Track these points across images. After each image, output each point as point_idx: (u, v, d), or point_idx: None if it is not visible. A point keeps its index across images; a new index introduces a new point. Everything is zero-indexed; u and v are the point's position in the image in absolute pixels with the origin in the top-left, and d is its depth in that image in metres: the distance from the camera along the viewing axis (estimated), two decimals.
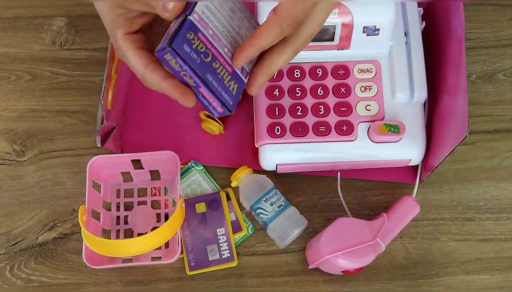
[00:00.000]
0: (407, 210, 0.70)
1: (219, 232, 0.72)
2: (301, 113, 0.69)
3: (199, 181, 0.75)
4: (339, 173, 0.73)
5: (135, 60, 0.48)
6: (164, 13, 0.46)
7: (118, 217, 0.74)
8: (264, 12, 0.68)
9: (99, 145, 0.68)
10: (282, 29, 0.45)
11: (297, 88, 0.70)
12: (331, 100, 0.70)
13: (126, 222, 0.74)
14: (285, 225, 0.70)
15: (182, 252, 0.71)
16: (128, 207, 0.75)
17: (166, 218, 0.73)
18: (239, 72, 0.50)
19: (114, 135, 0.72)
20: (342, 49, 0.70)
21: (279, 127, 0.69)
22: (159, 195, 0.75)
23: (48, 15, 0.84)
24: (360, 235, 0.66)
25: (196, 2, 0.47)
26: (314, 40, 0.69)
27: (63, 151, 0.77)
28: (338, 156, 0.69)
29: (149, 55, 0.48)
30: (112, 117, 0.70)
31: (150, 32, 0.51)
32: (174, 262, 0.70)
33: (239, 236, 0.73)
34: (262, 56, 0.50)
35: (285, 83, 0.70)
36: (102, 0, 0.48)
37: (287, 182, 0.75)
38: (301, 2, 0.44)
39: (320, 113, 0.69)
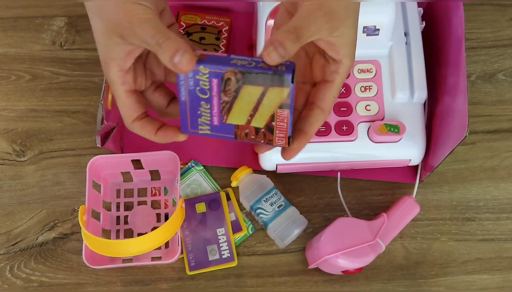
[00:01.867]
0: (407, 210, 0.70)
1: (219, 232, 0.72)
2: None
3: (199, 181, 0.75)
4: (339, 173, 0.73)
5: (124, 108, 0.49)
6: (174, 67, 0.44)
7: (118, 217, 0.74)
8: (264, 12, 0.68)
9: (99, 145, 0.68)
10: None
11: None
12: None
13: (126, 222, 0.74)
14: (285, 225, 0.70)
15: (182, 252, 0.71)
16: (128, 207, 0.75)
17: (166, 218, 0.73)
18: (227, 132, 0.49)
19: (114, 135, 0.72)
20: None
21: None
22: (159, 195, 0.75)
23: (48, 15, 0.84)
24: (360, 235, 0.66)
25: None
26: None
27: (63, 151, 0.77)
28: (338, 156, 0.69)
29: (136, 108, 0.49)
30: (112, 117, 0.70)
31: (146, 61, 0.50)
32: (174, 262, 0.70)
33: (239, 236, 0.73)
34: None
35: None
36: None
37: (287, 182, 0.75)
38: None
39: None
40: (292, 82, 0.45)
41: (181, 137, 0.50)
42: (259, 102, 0.46)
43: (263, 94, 0.46)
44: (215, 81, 0.46)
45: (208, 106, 0.47)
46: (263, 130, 0.48)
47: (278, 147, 0.49)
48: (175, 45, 0.43)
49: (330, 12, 0.44)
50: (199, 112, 0.48)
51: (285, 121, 0.47)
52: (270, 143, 0.49)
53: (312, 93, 0.49)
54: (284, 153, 0.50)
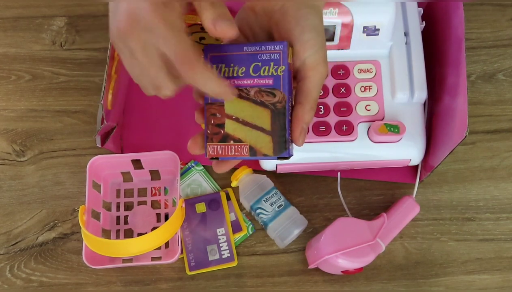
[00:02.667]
0: (407, 210, 0.70)
1: (219, 232, 0.72)
2: None
3: (199, 181, 0.75)
4: (339, 173, 0.73)
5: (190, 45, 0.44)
6: (215, 33, 0.44)
7: (118, 217, 0.74)
8: None
9: (99, 145, 0.68)
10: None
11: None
12: (331, 100, 0.70)
13: (126, 222, 0.74)
14: (285, 225, 0.70)
15: (182, 252, 0.71)
16: (128, 207, 0.75)
17: (166, 218, 0.73)
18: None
19: (114, 135, 0.72)
20: (342, 49, 0.70)
21: None
22: (159, 195, 0.75)
23: (48, 15, 0.84)
24: (360, 235, 0.66)
25: None
26: None
27: (63, 151, 0.77)
28: (338, 156, 0.69)
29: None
30: (112, 117, 0.70)
31: None
32: (174, 262, 0.70)
33: (239, 236, 0.73)
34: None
35: None
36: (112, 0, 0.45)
37: (287, 182, 0.75)
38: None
39: (320, 113, 0.69)
40: (279, 158, 0.46)
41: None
42: (253, 126, 0.47)
43: (263, 131, 0.46)
44: (269, 81, 0.46)
45: (242, 75, 0.46)
46: (222, 131, 0.48)
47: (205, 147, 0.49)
48: (220, 9, 0.43)
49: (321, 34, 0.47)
50: (233, 64, 0.47)
51: (237, 154, 0.47)
52: (206, 137, 0.48)
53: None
54: (218, 166, 0.50)
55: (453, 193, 0.75)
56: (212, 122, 0.47)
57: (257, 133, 0.46)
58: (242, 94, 0.46)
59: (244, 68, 0.46)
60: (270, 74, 0.46)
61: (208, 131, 0.48)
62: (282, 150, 0.46)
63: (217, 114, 0.47)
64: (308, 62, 0.46)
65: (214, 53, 0.47)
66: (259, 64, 0.46)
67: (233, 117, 0.47)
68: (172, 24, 0.42)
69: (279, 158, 0.46)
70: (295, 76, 0.48)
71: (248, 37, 0.49)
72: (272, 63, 0.45)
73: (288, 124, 0.46)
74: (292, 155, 0.47)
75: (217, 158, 0.48)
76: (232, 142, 0.47)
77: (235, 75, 0.46)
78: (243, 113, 0.46)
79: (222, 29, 0.43)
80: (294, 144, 0.48)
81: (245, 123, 0.47)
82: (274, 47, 0.45)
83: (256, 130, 0.46)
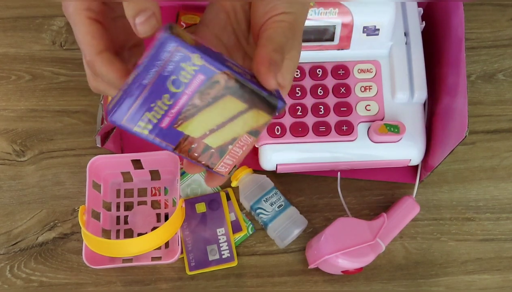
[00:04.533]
0: (407, 210, 0.70)
1: (219, 232, 0.72)
2: (301, 113, 0.69)
3: (199, 181, 0.75)
4: (339, 173, 0.73)
5: (87, 37, 0.38)
6: (134, 27, 0.37)
7: (118, 217, 0.74)
8: None
9: (99, 145, 0.68)
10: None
11: (297, 88, 0.70)
12: (331, 100, 0.70)
13: (126, 222, 0.74)
14: (285, 225, 0.70)
15: (182, 252, 0.71)
16: (128, 207, 0.75)
17: (166, 218, 0.73)
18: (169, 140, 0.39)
19: (114, 135, 0.72)
20: (342, 49, 0.70)
21: (279, 127, 0.69)
22: (159, 195, 0.75)
23: (48, 15, 0.84)
24: (360, 235, 0.66)
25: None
26: (314, 40, 0.69)
27: (63, 151, 0.77)
28: (338, 156, 0.69)
29: (104, 37, 0.39)
30: None
31: None
32: (174, 262, 0.70)
33: (239, 236, 0.73)
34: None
35: None
36: None
37: (287, 182, 0.75)
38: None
39: (320, 113, 0.69)
40: (279, 111, 0.40)
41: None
42: (231, 120, 0.39)
43: (242, 113, 0.39)
44: (200, 78, 0.37)
45: (170, 103, 0.37)
46: (213, 150, 0.40)
47: (215, 173, 0.42)
48: (144, 3, 0.36)
49: (295, 34, 0.41)
50: (152, 105, 0.37)
51: (244, 148, 0.41)
52: (209, 167, 0.41)
53: None
54: (211, 180, 0.43)
55: (453, 193, 0.75)
56: (196, 154, 0.40)
57: (242, 119, 0.39)
58: (190, 112, 0.38)
59: (167, 95, 0.37)
60: (193, 72, 0.37)
61: (204, 163, 0.41)
62: (274, 104, 0.39)
63: (192, 146, 0.40)
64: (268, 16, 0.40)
65: (125, 115, 0.38)
66: (174, 77, 0.37)
67: (208, 133, 0.39)
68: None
69: (279, 112, 0.40)
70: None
71: (221, 40, 0.44)
72: (183, 64, 0.36)
73: (254, 84, 0.38)
74: (284, 102, 0.40)
75: (235, 167, 0.42)
76: (230, 146, 0.41)
77: (165, 109, 0.38)
78: (212, 121, 0.39)
79: (141, 28, 0.36)
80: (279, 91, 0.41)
81: (223, 125, 0.40)
82: (165, 49, 0.36)
83: (237, 118, 0.39)
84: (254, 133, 0.40)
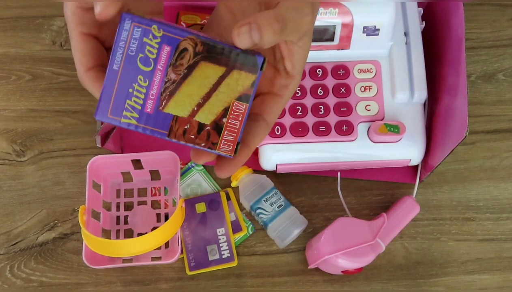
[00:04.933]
0: (407, 210, 0.70)
1: (219, 232, 0.72)
2: (301, 113, 0.69)
3: (199, 181, 0.75)
4: (339, 173, 0.73)
5: (78, 54, 0.39)
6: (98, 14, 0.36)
7: (118, 217, 0.74)
8: None
9: (99, 145, 0.68)
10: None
11: (297, 88, 0.70)
12: (331, 100, 0.70)
13: (126, 222, 0.74)
14: (285, 225, 0.70)
15: (182, 252, 0.71)
16: (128, 207, 0.75)
17: (166, 218, 0.73)
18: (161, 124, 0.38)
19: (114, 135, 0.72)
20: (342, 49, 0.70)
21: (279, 127, 0.69)
22: (159, 195, 0.75)
23: (48, 15, 0.84)
24: (360, 235, 0.66)
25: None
26: (314, 40, 0.69)
27: (63, 151, 0.77)
28: (338, 156, 0.69)
29: (94, 54, 0.39)
30: None
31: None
32: (174, 262, 0.70)
33: (239, 236, 0.73)
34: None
35: None
36: None
37: (287, 182, 0.75)
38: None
39: (320, 113, 0.69)
40: (262, 68, 0.37)
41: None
42: (214, 88, 0.37)
43: (223, 77, 0.37)
44: (166, 49, 0.36)
45: (146, 84, 0.37)
46: (208, 128, 0.38)
47: (221, 154, 0.39)
48: None
49: (315, 10, 0.38)
50: (130, 90, 0.37)
51: (240, 118, 0.38)
52: (212, 148, 0.39)
53: (257, 104, 0.42)
54: (222, 167, 0.40)
55: (453, 193, 0.75)
56: (193, 136, 0.38)
57: (225, 84, 0.38)
58: (170, 90, 0.37)
59: (140, 76, 0.37)
60: (157, 45, 0.36)
61: (203, 144, 0.39)
62: (253, 61, 0.37)
63: (185, 127, 0.38)
64: None
65: (108, 108, 0.38)
66: (141, 55, 0.36)
67: (196, 109, 0.38)
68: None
69: (261, 68, 0.38)
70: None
71: (227, 39, 0.42)
72: (145, 39, 0.36)
73: (225, 44, 0.37)
74: (263, 57, 0.38)
75: (238, 144, 0.39)
76: (224, 119, 0.38)
77: (144, 91, 0.37)
78: (195, 94, 0.38)
79: (96, 8, 0.36)
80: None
81: (208, 96, 0.38)
82: (123, 28, 0.36)
83: (219, 85, 0.38)
84: (245, 98, 0.38)
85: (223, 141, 0.39)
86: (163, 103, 0.37)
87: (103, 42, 0.41)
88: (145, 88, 0.37)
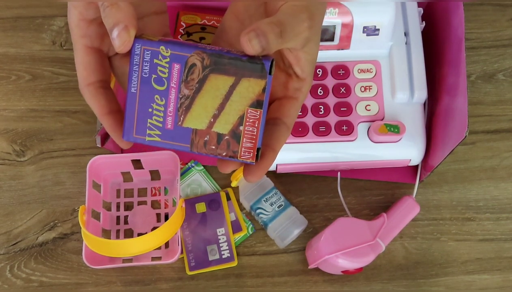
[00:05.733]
0: (407, 210, 0.70)
1: (219, 232, 0.72)
2: (301, 113, 0.69)
3: (199, 181, 0.75)
4: (339, 173, 0.73)
5: (80, 66, 0.41)
6: (112, 41, 0.38)
7: (118, 217, 0.74)
8: None
9: (99, 145, 0.68)
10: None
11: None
12: (331, 100, 0.70)
13: (126, 222, 0.74)
14: (285, 225, 0.70)
15: (182, 252, 0.71)
16: (128, 207, 0.75)
17: (166, 218, 0.73)
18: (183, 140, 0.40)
19: None
20: (342, 49, 0.70)
21: None
22: (159, 195, 0.75)
23: (48, 15, 0.84)
24: (360, 235, 0.66)
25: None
26: None
27: (63, 151, 0.77)
28: (338, 156, 0.69)
29: (96, 69, 0.41)
30: None
31: None
32: (174, 262, 0.70)
33: (239, 236, 0.73)
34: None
35: None
36: None
37: (287, 182, 0.75)
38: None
39: (320, 113, 0.69)
40: (270, 73, 0.38)
41: (123, 145, 0.42)
42: (227, 98, 0.39)
43: (233, 87, 0.38)
44: (176, 67, 0.38)
45: (163, 102, 0.39)
46: (227, 137, 0.40)
47: (244, 162, 0.40)
48: (118, 15, 0.37)
49: (312, 17, 0.40)
50: (150, 110, 0.39)
51: (256, 125, 0.39)
52: (233, 157, 0.40)
53: (274, 108, 0.43)
54: (250, 173, 0.41)
55: (453, 193, 0.75)
56: (213, 147, 0.40)
57: (236, 93, 0.39)
58: (186, 105, 0.39)
59: (157, 96, 0.39)
60: (167, 65, 0.39)
61: (225, 154, 0.40)
62: (260, 67, 0.38)
63: (205, 139, 0.40)
64: None
65: (133, 129, 0.40)
66: (154, 76, 0.39)
67: (212, 120, 0.39)
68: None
69: (270, 73, 0.38)
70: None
71: (236, 48, 0.44)
72: (156, 61, 0.38)
73: (231, 53, 0.38)
74: (272, 59, 0.39)
75: (259, 148, 0.40)
76: (241, 128, 0.39)
77: (163, 109, 0.39)
78: (209, 106, 0.39)
79: (116, 42, 0.37)
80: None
81: (222, 107, 0.39)
82: (134, 53, 0.39)
83: (231, 94, 0.39)
84: (258, 104, 0.39)
85: (243, 149, 0.40)
86: (181, 118, 0.39)
87: (107, 53, 0.42)
88: (163, 106, 0.39)
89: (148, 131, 0.40)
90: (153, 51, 0.38)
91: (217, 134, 0.40)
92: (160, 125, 0.40)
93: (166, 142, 0.40)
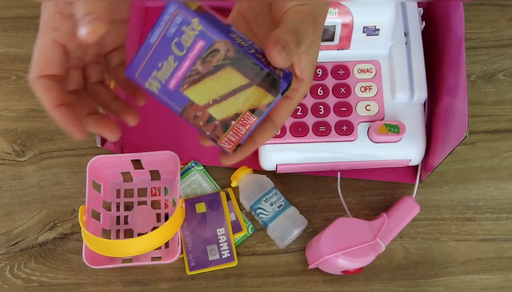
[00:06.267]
0: (407, 210, 0.70)
1: (219, 232, 0.72)
2: (301, 113, 0.69)
3: (199, 181, 0.75)
4: (339, 173, 0.73)
5: (40, 58, 0.41)
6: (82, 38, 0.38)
7: (118, 217, 0.74)
8: None
9: (99, 145, 0.68)
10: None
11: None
12: (331, 100, 0.70)
13: (126, 222, 0.74)
14: (285, 225, 0.70)
15: (182, 252, 0.71)
16: (128, 207, 0.75)
17: (166, 218, 0.73)
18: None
19: None
20: (342, 49, 0.70)
21: None
22: (159, 195, 0.75)
23: None
24: (360, 235, 0.66)
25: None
26: None
27: (63, 151, 0.77)
28: (338, 156, 0.69)
29: (56, 63, 0.41)
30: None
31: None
32: (174, 262, 0.70)
33: (239, 236, 0.73)
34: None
35: None
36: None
37: (287, 182, 0.75)
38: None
39: (320, 113, 0.69)
40: (283, 93, 0.40)
41: (78, 135, 0.42)
42: (233, 93, 0.40)
43: (244, 88, 0.40)
44: (200, 44, 0.39)
45: (175, 64, 0.40)
46: (217, 122, 0.42)
47: (220, 147, 0.43)
48: (92, 7, 0.37)
49: (316, 22, 0.41)
50: (160, 64, 0.41)
51: (247, 127, 0.42)
52: (214, 140, 0.43)
53: None
54: (226, 158, 0.45)
55: (453, 193, 0.75)
56: (201, 123, 0.42)
57: (243, 94, 0.40)
58: (194, 78, 0.41)
59: (171, 56, 0.40)
60: (193, 37, 0.39)
61: (208, 133, 0.43)
62: (276, 84, 0.40)
63: (197, 113, 0.42)
64: None
65: (138, 70, 0.41)
66: (176, 39, 0.39)
67: (211, 103, 0.41)
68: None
69: (282, 93, 0.40)
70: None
71: None
72: (184, 27, 0.39)
73: (256, 58, 0.39)
74: (290, 79, 0.40)
75: (239, 145, 0.43)
76: (233, 122, 0.42)
77: (171, 70, 0.41)
78: (214, 91, 0.41)
79: (83, 33, 0.37)
80: (284, 69, 0.41)
81: (225, 97, 0.41)
82: (167, 11, 0.39)
83: (239, 92, 0.40)
84: (257, 112, 0.40)
85: (226, 138, 0.42)
86: (185, 86, 0.41)
87: (67, 52, 0.41)
88: (173, 68, 0.40)
89: (150, 80, 0.41)
90: (185, 19, 0.38)
91: (210, 116, 0.41)
92: (163, 81, 0.41)
93: (162, 96, 0.42)
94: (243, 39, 0.40)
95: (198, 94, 0.41)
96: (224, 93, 0.40)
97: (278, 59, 0.38)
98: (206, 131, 0.42)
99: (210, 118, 0.42)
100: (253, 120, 0.41)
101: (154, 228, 0.72)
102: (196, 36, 0.39)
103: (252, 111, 0.41)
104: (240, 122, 0.41)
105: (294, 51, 0.38)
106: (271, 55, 0.38)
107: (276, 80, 0.39)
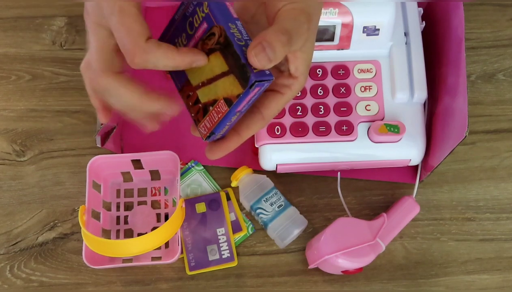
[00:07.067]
0: (407, 210, 0.70)
1: (219, 232, 0.72)
2: (301, 113, 0.69)
3: (199, 181, 0.75)
4: (339, 173, 0.73)
5: (136, 24, 0.40)
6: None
7: (118, 217, 0.74)
8: None
9: (99, 145, 0.68)
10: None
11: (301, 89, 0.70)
12: (331, 100, 0.70)
13: (126, 222, 0.74)
14: (285, 225, 0.70)
15: (182, 252, 0.71)
16: (128, 207, 0.75)
17: (166, 218, 0.73)
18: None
19: (114, 135, 0.72)
20: (342, 49, 0.70)
21: (279, 127, 0.69)
22: (159, 195, 0.75)
23: (48, 15, 0.84)
24: (360, 235, 0.66)
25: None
26: None
27: (63, 151, 0.77)
28: (338, 156, 0.69)
29: (147, 28, 0.40)
30: (112, 117, 0.70)
31: None
32: (174, 262, 0.70)
33: (239, 236, 0.73)
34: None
35: None
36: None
37: (287, 182, 0.75)
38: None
39: (320, 113, 0.69)
40: (250, 88, 0.40)
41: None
42: (215, 79, 0.42)
43: (223, 75, 0.41)
44: (204, 26, 0.41)
45: (185, 42, 0.42)
46: (200, 105, 0.43)
47: (199, 131, 0.45)
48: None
49: (310, 19, 0.41)
50: (176, 40, 0.43)
51: (219, 115, 0.42)
52: (195, 122, 0.45)
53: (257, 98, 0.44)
54: (210, 150, 0.46)
55: (453, 193, 0.75)
56: (190, 103, 0.44)
57: (222, 81, 0.41)
58: None
59: (184, 34, 0.42)
60: (201, 18, 0.41)
61: (193, 115, 0.44)
62: (246, 80, 0.40)
63: (190, 93, 0.44)
64: None
65: (164, 40, 0.44)
66: (190, 19, 0.41)
67: (200, 85, 0.43)
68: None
69: (250, 88, 0.40)
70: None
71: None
72: (197, 9, 0.41)
73: (240, 50, 0.40)
74: (264, 79, 0.40)
75: (213, 133, 0.44)
76: (210, 108, 0.43)
77: (181, 47, 0.43)
78: (204, 73, 0.42)
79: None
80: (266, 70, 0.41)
81: (210, 81, 0.42)
82: None
83: (220, 79, 0.41)
84: (228, 102, 0.41)
85: (203, 123, 0.44)
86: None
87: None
88: (184, 46, 0.43)
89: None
90: (200, 1, 0.41)
91: (197, 97, 0.43)
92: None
93: (172, 71, 0.44)
94: (241, 33, 0.41)
95: (193, 73, 0.43)
96: (210, 77, 0.42)
97: (255, 62, 0.39)
98: (192, 112, 0.44)
99: (197, 100, 0.43)
100: (224, 109, 0.42)
101: (154, 228, 0.72)
102: (203, 18, 0.41)
103: (226, 100, 0.41)
104: (215, 109, 0.42)
105: (283, 50, 0.39)
106: (248, 57, 0.39)
107: (247, 73, 0.40)
